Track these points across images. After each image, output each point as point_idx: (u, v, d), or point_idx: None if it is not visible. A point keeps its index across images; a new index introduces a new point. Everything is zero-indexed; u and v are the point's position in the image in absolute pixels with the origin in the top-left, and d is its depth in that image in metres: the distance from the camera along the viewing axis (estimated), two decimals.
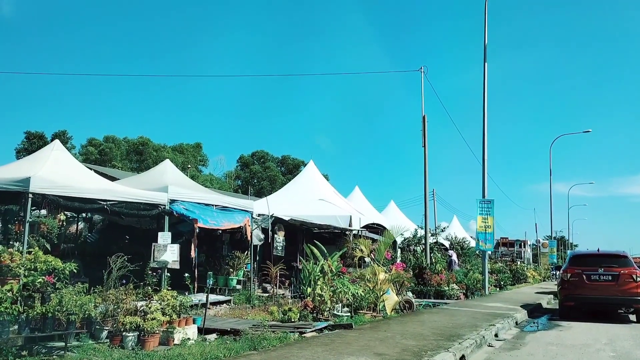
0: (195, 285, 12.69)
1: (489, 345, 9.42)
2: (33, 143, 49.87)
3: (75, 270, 7.99)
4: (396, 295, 13.56)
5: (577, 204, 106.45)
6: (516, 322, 12.78)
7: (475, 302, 17.24)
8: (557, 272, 16.70)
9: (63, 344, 7.22)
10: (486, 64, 21.00)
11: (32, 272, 7.38)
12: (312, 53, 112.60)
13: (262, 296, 14.68)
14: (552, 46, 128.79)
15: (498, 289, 24.32)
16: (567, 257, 16.19)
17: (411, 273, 17.59)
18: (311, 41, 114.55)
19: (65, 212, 12.65)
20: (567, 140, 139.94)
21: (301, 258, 15.92)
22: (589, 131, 43.89)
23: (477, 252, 27.54)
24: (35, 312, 6.99)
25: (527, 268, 38.86)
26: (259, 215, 15.39)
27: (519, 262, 42.43)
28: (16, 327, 7.05)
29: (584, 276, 13.86)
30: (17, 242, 9.67)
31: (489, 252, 22.48)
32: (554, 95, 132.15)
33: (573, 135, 58.25)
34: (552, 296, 20.47)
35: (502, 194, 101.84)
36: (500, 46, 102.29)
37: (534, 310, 15.91)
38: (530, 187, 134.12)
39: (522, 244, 53.13)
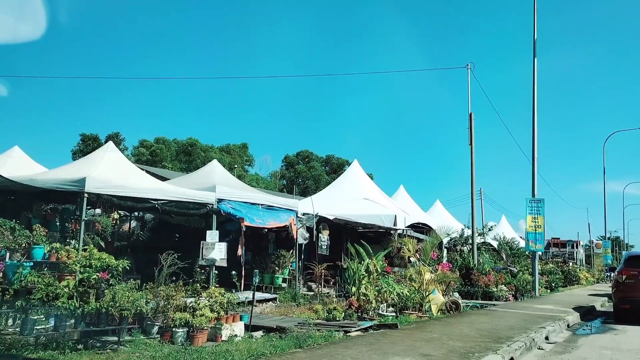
0: (242, 282, 12.89)
1: (539, 348, 9.18)
2: (88, 145, 51.59)
3: (127, 267, 8.29)
4: (442, 295, 13.39)
5: (632, 203, 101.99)
6: (568, 325, 12.40)
7: (525, 303, 16.82)
8: (612, 274, 16.10)
9: (116, 338, 7.51)
10: (535, 59, 20.44)
11: (87, 268, 7.70)
12: (355, 52, 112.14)
13: (307, 295, 14.77)
14: (605, 40, 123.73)
15: (549, 290, 23.64)
16: (622, 258, 15.58)
17: (458, 273, 17.34)
18: (354, 41, 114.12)
19: (119, 211, 13.06)
20: (621, 137, 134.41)
21: (346, 257, 15.91)
22: None
23: (527, 252, 26.85)
24: (90, 307, 7.30)
25: (579, 269, 37.56)
26: (303, 214, 15.50)
27: (571, 263, 41.06)
28: (72, 321, 7.38)
29: None
30: (74, 240, 10.09)
31: (540, 253, 21.88)
32: (607, 90, 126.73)
33: (628, 132, 55.81)
34: (606, 299, 19.73)
35: (552, 193, 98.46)
36: (550, 41, 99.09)
37: (587, 313, 15.40)
38: (583, 186, 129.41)
39: (575, 244, 51.20)
